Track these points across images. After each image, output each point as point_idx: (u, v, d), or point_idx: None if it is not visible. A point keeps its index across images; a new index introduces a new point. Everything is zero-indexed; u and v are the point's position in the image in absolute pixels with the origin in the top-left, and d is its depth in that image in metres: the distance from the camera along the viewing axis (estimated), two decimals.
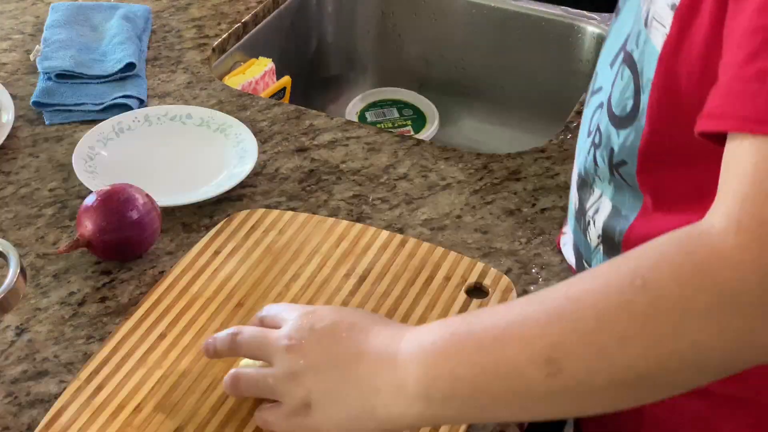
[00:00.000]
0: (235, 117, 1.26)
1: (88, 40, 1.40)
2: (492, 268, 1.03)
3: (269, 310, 0.86)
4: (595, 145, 0.88)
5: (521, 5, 1.59)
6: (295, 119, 1.28)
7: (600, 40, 1.52)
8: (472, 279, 1.01)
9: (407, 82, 1.71)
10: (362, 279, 1.01)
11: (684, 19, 0.71)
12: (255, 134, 1.22)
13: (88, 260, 1.05)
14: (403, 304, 0.98)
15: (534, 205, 1.14)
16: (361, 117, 1.65)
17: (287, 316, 0.81)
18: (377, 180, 1.18)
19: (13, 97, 1.28)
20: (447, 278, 1.01)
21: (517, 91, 1.64)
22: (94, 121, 1.25)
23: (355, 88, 1.75)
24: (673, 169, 0.78)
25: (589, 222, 0.91)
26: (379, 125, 1.61)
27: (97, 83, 1.32)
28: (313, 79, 1.72)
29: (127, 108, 1.27)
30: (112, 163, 1.18)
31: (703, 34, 0.69)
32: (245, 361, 0.87)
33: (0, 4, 1.51)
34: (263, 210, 1.10)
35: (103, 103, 1.28)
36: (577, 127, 1.27)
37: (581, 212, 0.94)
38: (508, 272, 1.04)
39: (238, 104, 1.30)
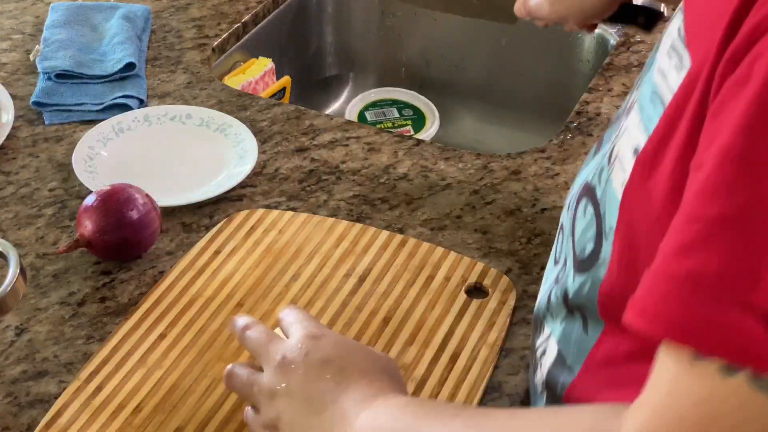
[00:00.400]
0: (235, 117, 1.26)
1: (88, 40, 1.40)
2: (492, 268, 1.03)
3: (288, 315, 0.84)
4: (557, 281, 0.80)
5: None
6: (295, 119, 1.28)
7: (600, 40, 1.52)
8: (472, 279, 1.01)
9: (407, 82, 1.70)
10: (362, 279, 1.01)
11: (645, 168, 0.64)
12: (255, 134, 1.22)
13: (88, 260, 1.05)
14: (403, 304, 0.98)
15: (534, 205, 1.14)
16: (361, 117, 1.64)
17: (294, 331, 0.81)
18: (377, 180, 1.17)
19: (13, 97, 1.28)
20: (447, 278, 1.01)
21: (517, 91, 1.64)
22: (94, 121, 1.25)
23: (355, 88, 1.74)
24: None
25: (537, 364, 0.84)
26: (379, 125, 1.61)
27: (97, 83, 1.32)
28: (313, 79, 1.72)
29: (126, 108, 1.27)
30: (112, 163, 1.18)
31: (661, 191, 0.62)
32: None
33: (0, 4, 1.51)
34: (263, 210, 1.10)
35: (102, 103, 1.28)
36: (578, 127, 1.27)
37: (532, 350, 0.86)
38: (508, 272, 1.04)
39: (238, 104, 1.30)
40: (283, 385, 0.78)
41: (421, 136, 1.58)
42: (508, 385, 0.93)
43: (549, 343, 0.80)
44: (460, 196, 1.15)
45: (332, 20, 1.71)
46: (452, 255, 1.04)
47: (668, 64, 0.65)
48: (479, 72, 1.66)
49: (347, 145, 1.23)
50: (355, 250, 1.05)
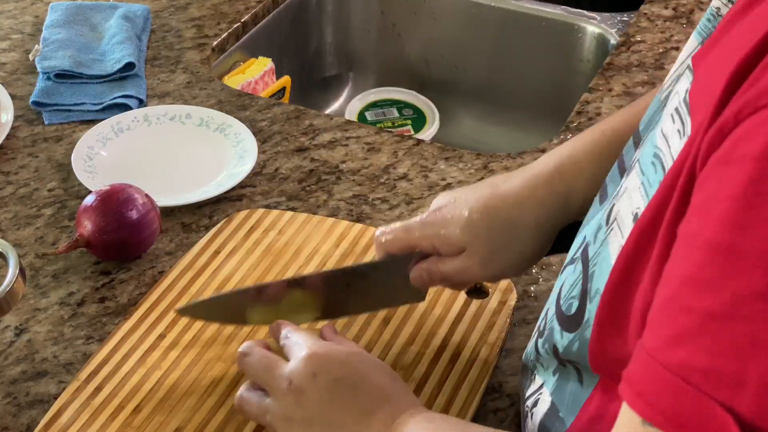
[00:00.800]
0: (235, 117, 1.25)
1: (88, 39, 1.40)
2: None
3: (287, 336, 0.83)
4: (539, 332, 0.78)
5: (521, 5, 1.58)
6: (294, 119, 1.27)
7: (600, 40, 1.52)
8: None
9: (407, 82, 1.70)
10: None
11: (643, 237, 0.62)
12: (254, 134, 1.22)
13: (88, 260, 1.05)
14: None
15: None
16: (361, 117, 1.64)
17: (297, 352, 0.79)
18: (377, 180, 1.17)
19: (13, 97, 1.28)
20: None
21: (517, 91, 1.64)
22: (94, 121, 1.25)
23: (355, 88, 1.74)
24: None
25: (527, 414, 0.81)
26: (379, 125, 1.61)
27: (97, 83, 1.32)
28: (313, 79, 1.72)
29: (126, 108, 1.27)
30: (112, 163, 1.18)
31: (652, 263, 0.61)
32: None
33: (0, 4, 1.50)
34: (263, 210, 1.10)
35: (102, 103, 1.28)
36: (578, 127, 1.27)
37: (522, 398, 0.84)
38: None
39: (238, 104, 1.30)
40: (297, 410, 0.76)
41: (421, 136, 1.58)
42: (508, 385, 0.93)
43: (542, 394, 0.79)
44: None
45: (332, 20, 1.71)
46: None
47: (672, 128, 0.63)
48: (479, 72, 1.66)
49: (347, 145, 1.23)
50: (355, 250, 1.05)
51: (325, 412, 0.76)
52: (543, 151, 1.22)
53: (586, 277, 0.70)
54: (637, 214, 0.64)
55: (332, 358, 0.78)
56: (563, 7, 1.58)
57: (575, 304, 0.71)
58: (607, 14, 1.54)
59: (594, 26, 1.53)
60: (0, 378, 0.93)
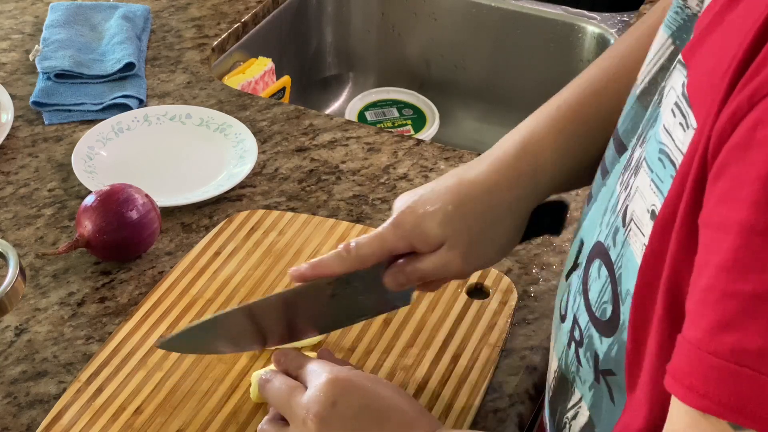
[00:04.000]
0: (235, 117, 1.25)
1: (88, 39, 1.40)
2: (492, 269, 1.02)
3: (302, 366, 0.81)
4: (576, 342, 0.76)
5: (521, 5, 1.58)
6: (294, 119, 1.27)
7: (600, 40, 1.52)
8: (472, 280, 1.01)
9: (407, 82, 1.70)
10: None
11: (665, 233, 0.62)
12: (255, 134, 1.22)
13: (88, 260, 1.05)
14: None
15: None
16: (361, 117, 1.64)
17: (315, 379, 0.77)
18: (377, 180, 1.17)
19: (13, 97, 1.28)
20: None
21: (517, 91, 1.64)
22: (94, 121, 1.25)
23: (355, 88, 1.74)
24: None
25: (565, 425, 0.79)
26: (379, 125, 1.61)
27: (97, 83, 1.32)
28: (313, 79, 1.72)
29: (126, 108, 1.27)
30: (112, 164, 1.18)
31: (670, 251, 0.62)
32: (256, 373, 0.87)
33: (0, 4, 1.51)
34: (263, 211, 1.10)
35: (102, 103, 1.28)
36: None
37: (557, 412, 0.81)
38: (508, 272, 1.04)
39: (238, 104, 1.30)
40: None
41: (421, 136, 1.58)
42: (509, 385, 0.93)
43: (581, 408, 0.77)
44: None
45: (332, 20, 1.71)
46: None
47: (673, 122, 0.63)
48: (479, 72, 1.66)
49: (347, 145, 1.23)
50: None
51: None
52: None
53: (614, 280, 0.69)
54: (653, 211, 0.64)
55: (353, 384, 0.76)
56: (563, 7, 1.58)
57: (609, 308, 0.70)
58: (607, 14, 1.55)
59: (594, 26, 1.53)
60: (0, 378, 0.93)
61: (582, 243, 0.77)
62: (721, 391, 0.53)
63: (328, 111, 1.72)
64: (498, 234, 0.85)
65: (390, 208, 1.13)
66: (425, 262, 0.84)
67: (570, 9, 1.57)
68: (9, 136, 1.23)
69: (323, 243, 1.05)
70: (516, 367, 0.94)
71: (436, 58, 1.68)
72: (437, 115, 1.63)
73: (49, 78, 1.32)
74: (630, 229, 0.67)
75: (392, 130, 1.50)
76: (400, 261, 0.85)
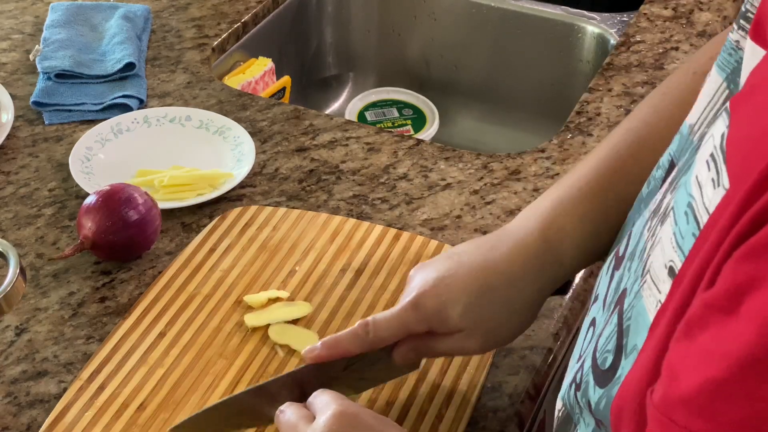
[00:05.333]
0: (235, 117, 1.25)
1: (88, 39, 1.40)
2: None
3: (315, 395, 0.79)
4: (576, 385, 0.73)
5: (521, 5, 1.59)
6: (295, 119, 1.28)
7: (600, 40, 1.52)
8: None
9: (407, 82, 1.70)
10: (359, 273, 1.01)
11: (683, 295, 0.58)
12: (255, 134, 1.22)
13: (88, 260, 1.05)
14: (400, 297, 0.98)
15: None
16: (361, 117, 1.64)
17: (322, 411, 0.75)
18: (377, 180, 1.17)
19: (13, 97, 1.28)
20: None
21: (517, 91, 1.64)
22: (94, 121, 1.25)
23: (355, 88, 1.74)
24: None
25: None
26: (379, 125, 1.61)
27: (97, 83, 1.32)
28: (313, 79, 1.72)
29: (126, 108, 1.27)
30: (110, 165, 1.18)
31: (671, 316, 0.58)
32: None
33: (0, 4, 1.51)
34: (256, 207, 1.10)
35: (102, 103, 1.28)
36: (578, 127, 1.27)
37: None
38: None
39: (238, 104, 1.30)
40: None
41: (421, 136, 1.58)
42: (508, 385, 0.93)
43: None
44: (460, 196, 1.15)
45: (332, 20, 1.71)
46: (447, 248, 1.04)
47: (706, 176, 0.58)
48: (479, 72, 1.66)
49: (347, 145, 1.23)
50: (350, 245, 1.05)
51: None
52: (543, 151, 1.22)
53: (621, 330, 0.67)
54: (672, 267, 0.60)
55: (359, 421, 0.75)
56: (563, 7, 1.58)
57: (609, 358, 0.68)
58: (607, 14, 1.55)
59: (594, 26, 1.53)
60: (0, 378, 0.93)
61: (619, 281, 0.73)
62: None
63: (328, 111, 1.72)
64: (518, 320, 0.85)
65: (390, 208, 1.13)
66: (441, 345, 0.84)
67: (570, 9, 1.57)
68: (9, 136, 1.23)
69: (317, 238, 1.06)
70: (516, 367, 0.94)
71: (435, 58, 1.69)
72: (437, 115, 1.63)
73: (49, 78, 1.32)
74: (645, 281, 0.64)
75: (392, 130, 1.51)
76: (414, 339, 0.84)
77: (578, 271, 0.87)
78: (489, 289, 0.83)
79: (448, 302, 0.82)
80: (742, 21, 0.66)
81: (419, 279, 0.84)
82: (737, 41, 0.66)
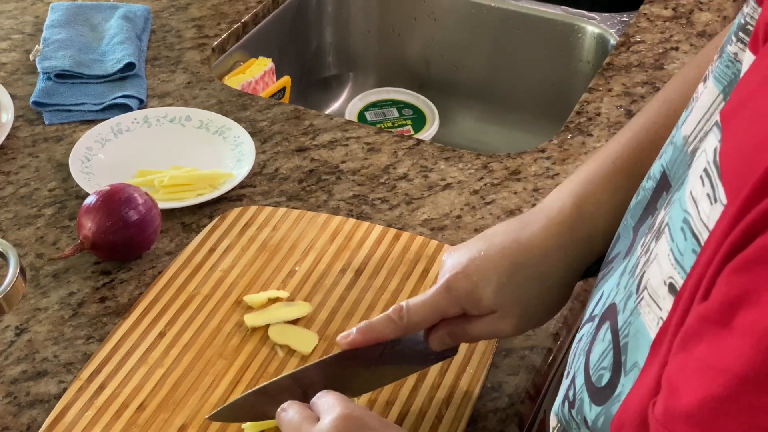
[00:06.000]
0: (235, 117, 1.26)
1: (88, 40, 1.40)
2: None
3: (319, 396, 0.79)
4: (569, 402, 0.72)
5: (521, 5, 1.59)
6: (295, 119, 1.28)
7: (600, 40, 1.52)
8: None
9: (407, 82, 1.71)
10: (359, 273, 1.01)
11: (684, 311, 0.57)
12: (255, 134, 1.22)
13: (88, 260, 1.05)
14: (400, 297, 0.98)
15: (534, 205, 1.13)
16: (361, 117, 1.64)
17: (328, 412, 0.75)
18: (377, 180, 1.17)
19: (13, 97, 1.28)
20: None
21: (517, 91, 1.64)
22: (94, 121, 1.25)
23: (355, 88, 1.75)
24: None
25: None
26: (379, 125, 1.61)
27: (97, 83, 1.32)
28: (313, 79, 1.72)
29: (126, 108, 1.27)
30: (110, 165, 1.18)
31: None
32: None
33: (0, 4, 1.51)
34: (256, 207, 1.10)
35: (102, 103, 1.28)
36: (578, 127, 1.27)
37: None
38: None
39: (238, 104, 1.30)
40: None
41: (421, 136, 1.58)
42: (508, 385, 0.93)
43: None
44: (460, 196, 1.15)
45: (332, 20, 1.71)
46: (447, 248, 1.04)
47: (701, 192, 0.58)
48: (479, 72, 1.66)
49: (347, 145, 1.23)
50: (350, 244, 1.05)
51: None
52: (543, 151, 1.22)
53: (617, 348, 0.66)
54: (672, 284, 0.60)
55: (364, 424, 0.75)
56: (563, 7, 1.58)
57: (606, 375, 0.67)
58: (606, 14, 1.55)
59: (594, 26, 1.53)
60: (0, 378, 0.93)
61: (602, 295, 0.73)
62: None
63: (328, 111, 1.72)
64: (552, 299, 0.84)
65: (390, 208, 1.13)
66: (475, 327, 0.84)
67: (570, 9, 1.57)
68: (9, 136, 1.23)
69: (317, 237, 1.06)
70: (516, 367, 0.94)
71: (435, 58, 1.69)
72: (437, 115, 1.63)
73: (49, 78, 1.32)
74: (642, 298, 0.64)
75: (392, 130, 1.51)
76: (449, 323, 0.84)
77: (604, 252, 0.85)
78: (521, 267, 0.82)
79: (479, 282, 0.82)
80: (740, 33, 0.65)
81: (451, 262, 0.84)
82: (735, 53, 0.66)
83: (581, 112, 1.29)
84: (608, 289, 0.72)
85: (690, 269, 0.58)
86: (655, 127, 0.84)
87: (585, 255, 0.83)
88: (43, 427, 0.86)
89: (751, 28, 0.64)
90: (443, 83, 1.69)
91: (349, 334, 0.83)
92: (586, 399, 0.69)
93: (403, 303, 0.83)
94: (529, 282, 0.82)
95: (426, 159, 1.21)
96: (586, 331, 0.74)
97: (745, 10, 0.65)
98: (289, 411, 0.78)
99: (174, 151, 1.21)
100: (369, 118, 1.64)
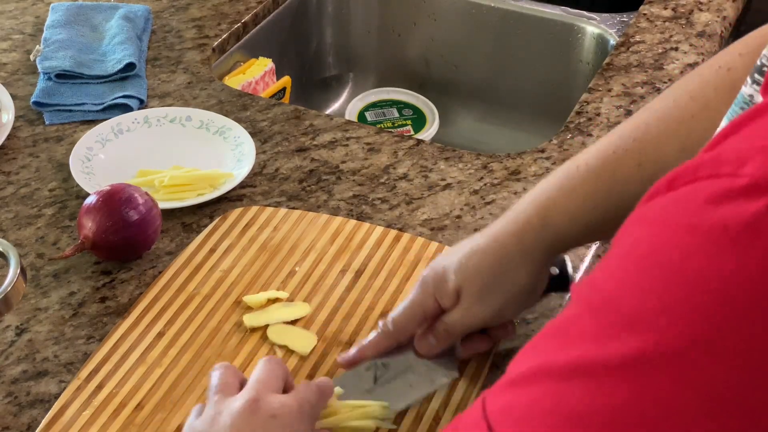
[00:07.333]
0: (236, 117, 1.26)
1: (88, 40, 1.40)
2: None
3: (257, 368, 0.80)
4: None
5: (521, 5, 1.59)
6: (295, 119, 1.28)
7: (600, 40, 1.52)
8: None
9: (407, 82, 1.71)
10: (358, 274, 1.02)
11: None
12: (255, 134, 1.22)
13: (88, 260, 1.05)
14: (399, 299, 0.99)
15: None
16: (361, 117, 1.65)
17: (244, 392, 0.76)
18: (377, 180, 1.18)
19: (13, 97, 1.29)
20: None
21: (517, 91, 1.64)
22: (94, 121, 1.25)
23: (355, 88, 1.75)
24: None
25: None
26: (379, 125, 1.61)
27: (97, 83, 1.32)
28: (313, 79, 1.72)
29: (127, 108, 1.27)
30: (110, 165, 1.18)
31: None
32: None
33: (0, 4, 1.51)
34: (257, 207, 1.10)
35: (103, 103, 1.28)
36: (577, 127, 1.27)
37: None
38: None
39: (238, 104, 1.30)
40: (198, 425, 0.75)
41: (421, 136, 1.58)
42: None
43: None
44: (460, 196, 1.15)
45: (332, 20, 1.71)
46: (447, 249, 1.04)
47: None
48: (479, 72, 1.66)
49: (347, 145, 1.23)
50: (351, 246, 1.05)
51: None
52: (543, 151, 1.22)
53: None
54: None
55: (269, 414, 0.75)
56: (563, 7, 1.58)
57: None
58: (606, 15, 1.55)
59: (593, 27, 1.53)
60: (1, 377, 0.93)
61: None
62: None
63: (328, 111, 1.72)
64: (510, 281, 0.87)
65: (390, 208, 1.13)
66: (448, 316, 0.88)
67: (570, 9, 1.57)
68: (10, 136, 1.23)
69: (318, 238, 1.06)
70: None
71: (435, 59, 1.69)
72: (437, 115, 1.63)
73: (49, 78, 1.32)
74: None
75: (392, 130, 1.51)
76: (428, 325, 0.89)
77: (580, 243, 0.90)
78: (478, 250, 0.87)
79: (445, 267, 0.88)
80: (756, 75, 0.65)
81: (424, 271, 0.90)
82: (751, 95, 0.66)
83: (581, 113, 1.29)
84: None
85: None
86: (622, 144, 0.86)
87: (538, 241, 0.87)
88: (41, 426, 0.87)
89: (767, 70, 0.64)
90: (443, 83, 1.69)
91: (346, 355, 0.90)
92: None
93: (388, 315, 0.90)
94: (484, 262, 0.87)
95: (426, 159, 1.21)
96: None
97: (764, 51, 0.65)
98: (216, 374, 0.78)
99: (174, 151, 1.21)
100: (369, 119, 1.64)
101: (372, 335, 0.90)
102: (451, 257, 0.88)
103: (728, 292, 0.45)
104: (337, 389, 0.84)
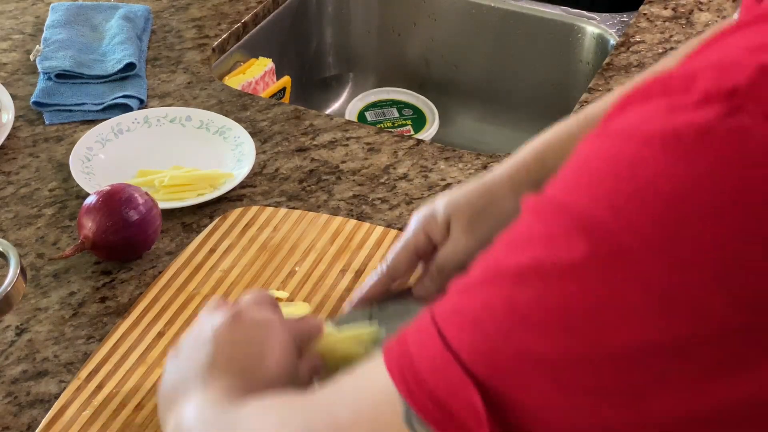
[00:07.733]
0: (236, 117, 1.26)
1: (88, 40, 1.40)
2: None
3: (245, 298, 0.80)
4: None
5: (521, 5, 1.59)
6: (295, 119, 1.28)
7: (600, 40, 1.52)
8: None
9: (407, 82, 1.71)
10: (359, 274, 1.02)
11: None
12: (255, 134, 1.22)
13: (88, 260, 1.05)
14: None
15: None
16: (361, 117, 1.65)
17: (233, 310, 0.77)
18: (377, 180, 1.18)
19: (13, 97, 1.29)
20: None
21: (517, 91, 1.64)
22: (94, 121, 1.25)
23: (355, 88, 1.75)
24: None
25: None
26: (379, 125, 1.61)
27: (97, 83, 1.32)
28: (313, 79, 1.72)
29: (127, 108, 1.27)
30: (110, 165, 1.18)
31: None
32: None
33: (0, 4, 1.51)
34: (257, 207, 1.10)
35: (103, 103, 1.28)
36: None
37: None
38: None
39: (238, 104, 1.30)
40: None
41: (421, 136, 1.58)
42: None
43: None
44: None
45: (332, 20, 1.71)
46: None
47: None
48: (479, 72, 1.66)
49: (347, 145, 1.23)
50: (351, 246, 1.05)
51: (185, 361, 0.75)
52: None
53: None
54: None
55: (246, 318, 0.76)
56: (563, 7, 1.58)
57: None
58: (606, 15, 1.55)
59: (593, 27, 1.53)
60: (1, 377, 0.93)
61: None
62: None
63: (328, 111, 1.72)
64: (498, 210, 0.89)
65: (390, 208, 1.13)
66: (441, 252, 0.89)
67: (569, 9, 1.57)
68: (10, 136, 1.23)
69: (318, 238, 1.06)
70: None
71: (435, 58, 1.69)
72: (437, 115, 1.63)
73: (49, 78, 1.32)
74: None
75: (392, 130, 1.51)
76: (423, 268, 0.91)
77: None
78: (470, 186, 0.90)
79: (435, 202, 0.90)
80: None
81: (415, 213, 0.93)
82: None
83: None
84: None
85: None
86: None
87: (536, 185, 0.87)
88: (41, 426, 0.87)
89: None
90: (443, 83, 1.69)
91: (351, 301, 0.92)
92: None
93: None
94: (473, 191, 0.89)
95: (426, 159, 1.21)
96: None
97: None
98: (209, 306, 0.79)
99: (174, 151, 1.21)
100: (369, 118, 1.64)
101: (369, 276, 0.91)
102: (443, 196, 0.91)
103: (678, 195, 0.46)
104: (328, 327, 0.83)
